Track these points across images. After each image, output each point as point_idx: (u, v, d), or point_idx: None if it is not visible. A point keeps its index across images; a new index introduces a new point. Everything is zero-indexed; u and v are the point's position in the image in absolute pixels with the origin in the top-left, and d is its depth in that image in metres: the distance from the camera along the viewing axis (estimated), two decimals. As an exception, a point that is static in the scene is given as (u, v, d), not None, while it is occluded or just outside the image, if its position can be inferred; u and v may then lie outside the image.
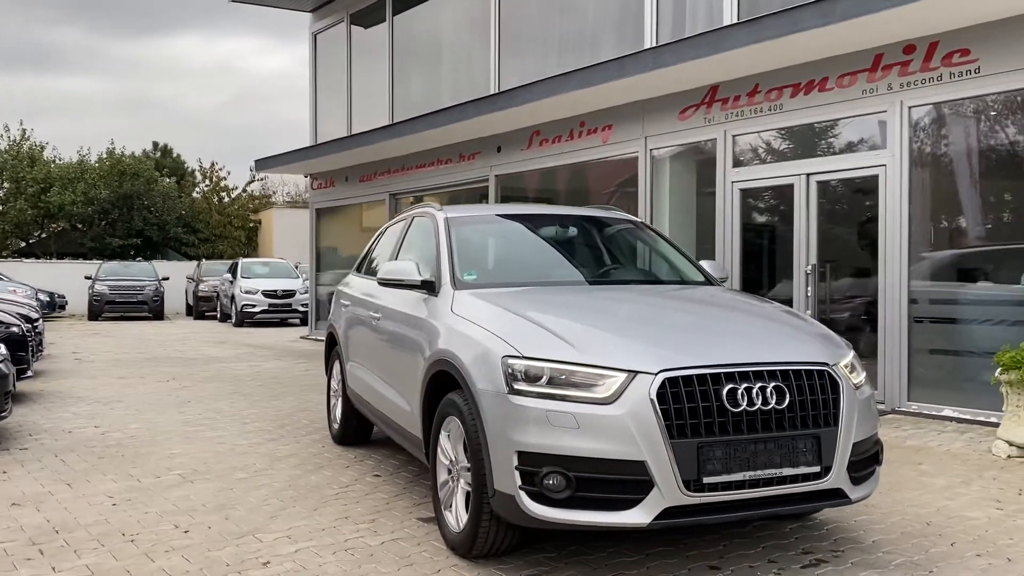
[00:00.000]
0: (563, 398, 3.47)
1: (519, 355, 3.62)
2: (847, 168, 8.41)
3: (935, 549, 4.11)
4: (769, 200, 9.47)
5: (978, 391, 7.27)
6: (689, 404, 3.42)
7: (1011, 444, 5.99)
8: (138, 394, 9.47)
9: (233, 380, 10.78)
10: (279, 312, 22.11)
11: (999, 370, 6.14)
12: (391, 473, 5.69)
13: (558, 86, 10.21)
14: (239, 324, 21.78)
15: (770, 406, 3.51)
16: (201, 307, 25.61)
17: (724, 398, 3.45)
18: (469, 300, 4.33)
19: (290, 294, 22.10)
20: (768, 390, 3.52)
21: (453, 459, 4.09)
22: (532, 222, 5.52)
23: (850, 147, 8.48)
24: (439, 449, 4.23)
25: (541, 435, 3.45)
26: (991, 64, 7.32)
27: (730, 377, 3.50)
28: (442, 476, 4.23)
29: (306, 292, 20.38)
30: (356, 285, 6.39)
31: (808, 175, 8.67)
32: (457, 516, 4.01)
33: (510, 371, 3.60)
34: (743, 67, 8.85)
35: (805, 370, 3.64)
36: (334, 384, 6.78)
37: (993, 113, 7.65)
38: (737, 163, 9.38)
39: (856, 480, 3.74)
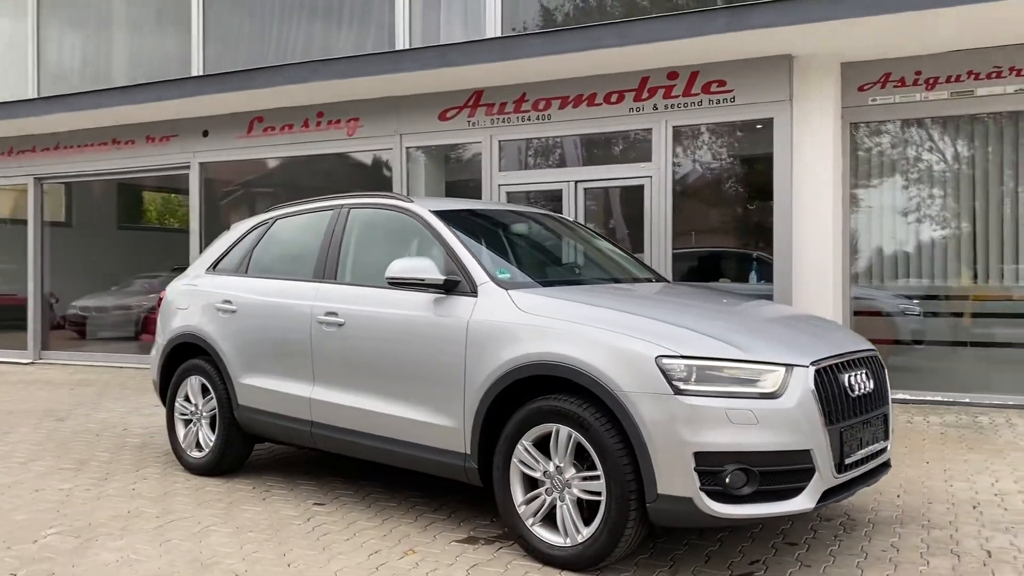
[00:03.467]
0: (733, 395, 3.55)
1: (676, 354, 3.60)
2: (616, 177, 9.24)
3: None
4: (537, 203, 9.99)
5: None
6: (829, 392, 3.72)
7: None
8: None
9: None
10: None
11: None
12: (334, 497, 5.08)
13: (278, 77, 9.69)
14: None
15: (867, 389, 3.96)
16: None
17: (846, 385, 3.82)
18: (540, 300, 4.13)
19: None
20: (863, 375, 3.97)
21: (550, 471, 3.88)
22: (506, 219, 5.30)
23: (618, 158, 9.34)
24: (514, 465, 3.98)
25: (721, 433, 3.50)
26: (744, 95, 8.63)
27: (844, 366, 3.88)
28: (519, 494, 3.98)
29: None
30: (244, 287, 5.50)
31: (577, 182, 9.35)
32: (568, 528, 3.82)
33: (669, 371, 3.57)
34: (512, 75, 9.21)
35: (873, 356, 4.17)
36: (185, 407, 5.76)
37: (743, 136, 9.01)
38: (504, 168, 9.75)
39: (887, 451, 4.37)
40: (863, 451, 3.89)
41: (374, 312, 4.66)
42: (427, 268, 4.36)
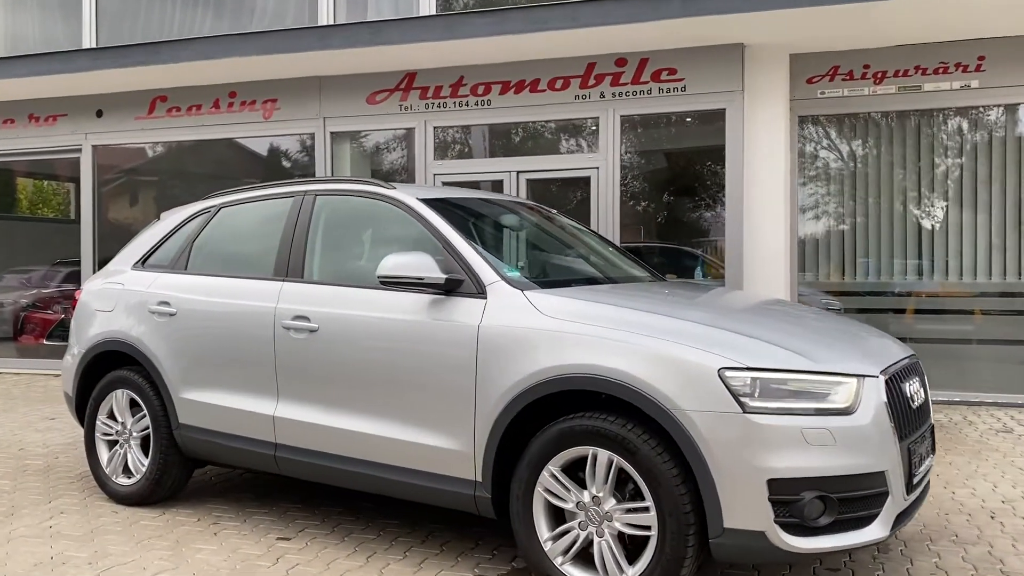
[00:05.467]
0: (806, 412, 3.12)
1: (741, 366, 3.13)
2: (561, 168, 8.77)
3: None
4: (474, 194, 9.43)
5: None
6: (897, 405, 3.35)
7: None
8: None
9: None
10: None
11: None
12: (297, 529, 4.40)
13: (187, 51, 8.80)
14: None
15: (922, 399, 3.61)
16: None
17: (908, 395, 3.45)
18: (563, 302, 3.59)
19: None
20: (917, 383, 3.62)
21: (584, 501, 3.36)
22: (491, 210, 4.70)
23: (563, 148, 8.87)
24: (538, 494, 3.45)
25: (797, 457, 3.06)
26: (695, 84, 8.30)
27: (903, 374, 3.52)
28: (544, 528, 3.45)
29: None
30: (184, 286, 4.73)
31: (519, 172, 8.84)
32: (609, 568, 3.32)
33: (735, 385, 3.10)
34: (450, 57, 8.60)
35: (917, 361, 3.82)
36: (109, 425, 4.95)
37: (694, 127, 8.68)
38: (440, 155, 9.13)
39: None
40: (923, 468, 3.53)
41: (357, 316, 4.01)
42: (426, 265, 3.75)
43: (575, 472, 3.44)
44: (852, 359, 3.34)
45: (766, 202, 8.24)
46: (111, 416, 4.99)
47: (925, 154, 8.32)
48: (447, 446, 3.70)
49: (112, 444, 5.00)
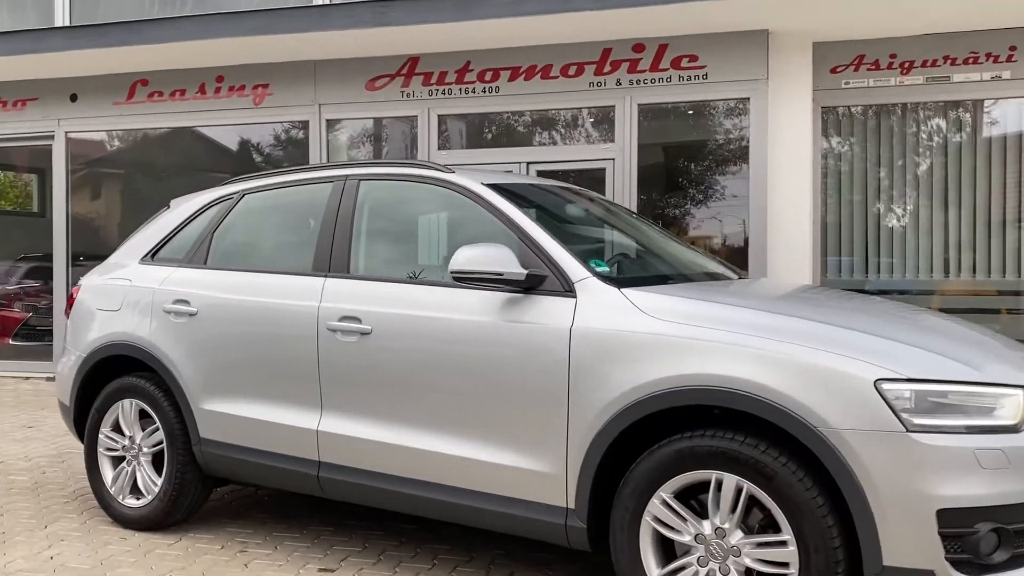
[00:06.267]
0: (975, 429, 2.69)
1: (900, 376, 2.70)
2: (574, 160, 8.32)
3: None
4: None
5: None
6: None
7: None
8: None
9: None
10: None
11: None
12: (339, 557, 3.89)
13: (172, 31, 8.20)
14: None
15: None
16: None
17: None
18: (672, 301, 3.13)
19: None
20: None
21: (704, 533, 2.90)
22: (554, 197, 4.20)
23: (578, 138, 8.42)
24: (646, 524, 3.01)
25: (970, 483, 2.63)
26: (717, 72, 7.90)
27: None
28: (653, 564, 3.01)
29: None
30: (206, 282, 4.17)
31: (529, 164, 8.37)
32: (738, 608, 2.85)
33: (895, 400, 2.66)
34: (456, 41, 8.08)
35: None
36: (114, 440, 4.40)
37: (716, 117, 8.27)
38: (444, 146, 8.62)
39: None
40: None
41: (419, 317, 3.50)
42: (506, 259, 3.26)
43: (687, 499, 2.99)
44: (1013, 368, 2.92)
45: (792, 197, 7.87)
46: (116, 429, 4.42)
47: (953, 149, 8.01)
48: (532, 467, 3.22)
49: (118, 460, 4.43)
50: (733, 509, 2.87)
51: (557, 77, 8.22)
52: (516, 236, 3.45)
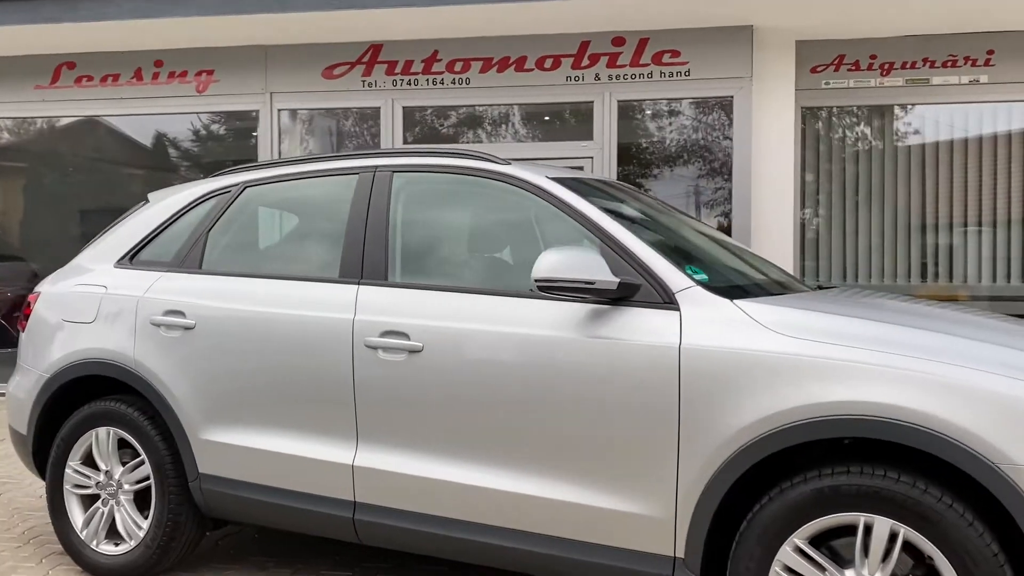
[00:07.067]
0: None
1: (1086, 404, 2.35)
2: (550, 157, 7.87)
3: None
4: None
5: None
6: None
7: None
8: None
9: None
10: None
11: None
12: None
13: (108, 8, 7.42)
14: None
15: None
16: None
17: None
18: (798, 315, 2.70)
19: None
20: None
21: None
22: (615, 194, 3.70)
23: (554, 135, 7.99)
24: (775, 572, 2.60)
25: None
26: (700, 69, 7.59)
27: None
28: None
29: None
30: (207, 290, 3.55)
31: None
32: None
33: None
34: (422, 27, 7.53)
35: None
36: (85, 475, 3.73)
37: (699, 115, 7.96)
38: (410, 141, 8.06)
39: None
40: None
41: (483, 332, 2.99)
42: (596, 265, 2.79)
43: (819, 544, 2.58)
44: None
45: (775, 199, 7.64)
46: (88, 462, 3.75)
47: (931, 152, 7.92)
48: (632, 510, 2.76)
49: (90, 500, 3.75)
50: (884, 557, 2.48)
51: (532, 70, 7.77)
52: (598, 239, 2.98)
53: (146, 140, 8.77)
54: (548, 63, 7.75)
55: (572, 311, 2.91)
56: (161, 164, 8.75)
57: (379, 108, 8.04)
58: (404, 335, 3.11)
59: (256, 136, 8.25)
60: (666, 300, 2.82)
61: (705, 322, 2.74)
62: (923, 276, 7.90)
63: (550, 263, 2.80)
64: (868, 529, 2.49)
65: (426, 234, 3.37)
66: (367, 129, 8.26)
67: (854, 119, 8.15)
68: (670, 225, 3.66)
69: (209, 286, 3.56)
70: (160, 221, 3.87)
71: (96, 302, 3.77)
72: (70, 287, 3.91)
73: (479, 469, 2.98)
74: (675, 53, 7.60)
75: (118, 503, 3.68)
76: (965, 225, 7.87)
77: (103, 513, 3.70)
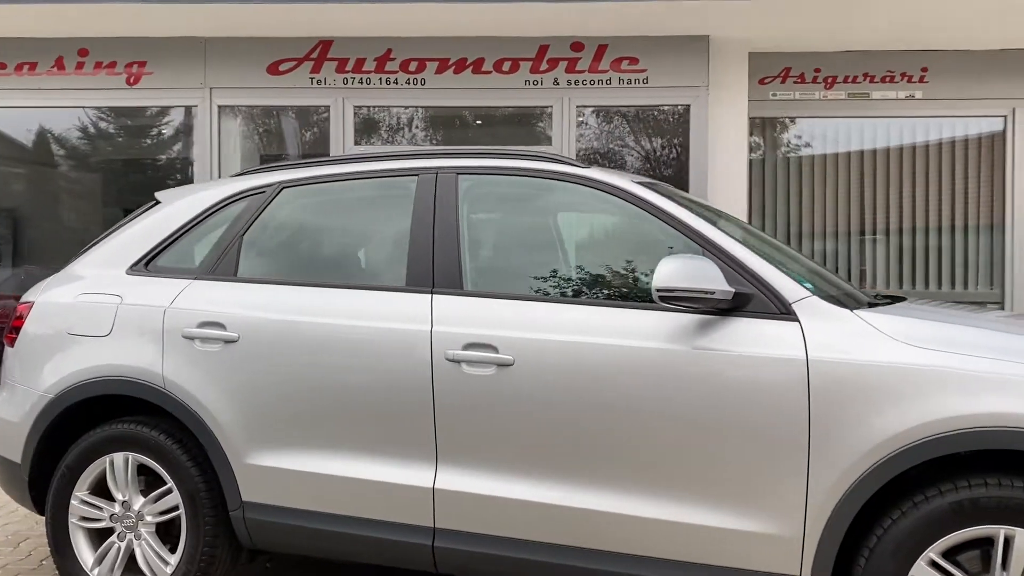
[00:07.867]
0: None
1: None
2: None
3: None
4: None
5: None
6: None
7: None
8: None
9: None
10: None
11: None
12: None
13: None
14: None
15: None
16: None
17: None
18: (927, 326, 2.67)
19: None
20: None
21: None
22: (686, 199, 3.55)
23: (511, 139, 7.86)
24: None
25: None
26: (658, 77, 7.63)
27: None
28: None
29: None
30: (249, 301, 3.22)
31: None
32: None
33: None
34: (375, 24, 7.26)
35: None
36: (95, 507, 3.34)
37: (656, 122, 7.99)
38: (361, 142, 7.75)
39: None
40: None
41: (582, 344, 2.82)
42: (712, 274, 2.67)
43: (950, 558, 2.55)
44: None
45: (728, 208, 7.74)
46: (99, 492, 3.34)
47: (868, 162, 8.25)
48: (753, 529, 2.65)
49: (100, 535, 3.35)
50: (1025, 570, 2.47)
51: (490, 72, 7.60)
52: (701, 247, 2.87)
53: (69, 135, 8.10)
54: (506, 66, 7.61)
55: (676, 321, 2.79)
56: (82, 163, 8.12)
57: (328, 107, 7.70)
58: (492, 348, 2.90)
59: (193, 133, 7.75)
60: (782, 311, 2.73)
61: (831, 334, 2.66)
62: (861, 281, 8.20)
63: (669, 272, 2.66)
64: (1009, 542, 2.48)
65: (501, 239, 3.19)
66: (315, 128, 7.90)
67: (797, 130, 8.39)
68: (749, 232, 3.59)
69: (251, 295, 3.24)
70: (180, 224, 3.50)
71: (111, 313, 3.37)
72: (76, 297, 3.47)
73: (580, 489, 2.81)
74: (633, 60, 7.60)
75: (138, 536, 3.30)
76: (901, 232, 8.22)
77: (119, 548, 3.31)
